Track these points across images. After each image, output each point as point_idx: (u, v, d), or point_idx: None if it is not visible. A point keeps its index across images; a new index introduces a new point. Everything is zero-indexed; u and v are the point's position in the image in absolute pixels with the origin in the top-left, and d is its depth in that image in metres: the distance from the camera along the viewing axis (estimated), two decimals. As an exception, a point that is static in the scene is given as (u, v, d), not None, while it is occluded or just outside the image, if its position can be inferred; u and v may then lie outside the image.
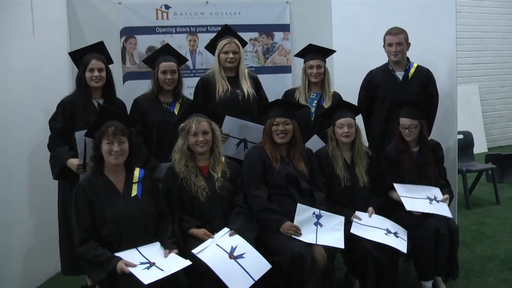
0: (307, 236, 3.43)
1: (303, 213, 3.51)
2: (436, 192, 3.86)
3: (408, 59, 4.40)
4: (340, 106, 3.95)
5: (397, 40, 4.27)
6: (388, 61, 4.42)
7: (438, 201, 3.77)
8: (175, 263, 2.96)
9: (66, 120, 3.71)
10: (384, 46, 4.38)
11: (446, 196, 3.85)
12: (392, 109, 4.26)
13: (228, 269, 3.01)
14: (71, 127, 3.70)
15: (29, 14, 4.10)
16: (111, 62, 3.98)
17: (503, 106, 10.87)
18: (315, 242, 3.40)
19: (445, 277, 3.78)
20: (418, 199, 3.76)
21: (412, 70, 4.36)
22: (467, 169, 6.28)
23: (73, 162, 3.62)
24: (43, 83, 4.25)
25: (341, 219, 3.60)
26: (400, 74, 4.36)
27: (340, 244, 3.44)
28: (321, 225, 3.51)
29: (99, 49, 3.89)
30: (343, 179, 3.81)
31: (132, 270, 2.84)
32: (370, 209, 3.79)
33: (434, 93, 4.41)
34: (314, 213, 3.54)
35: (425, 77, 4.37)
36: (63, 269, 3.87)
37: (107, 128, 3.11)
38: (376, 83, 4.42)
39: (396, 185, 3.84)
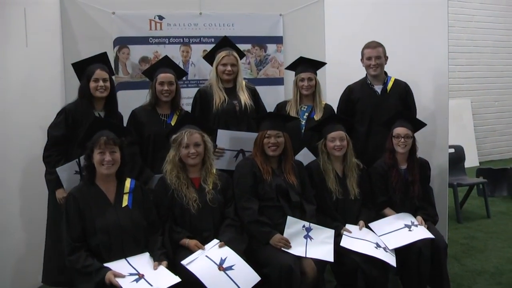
0: (297, 248, 3.42)
1: (293, 225, 3.51)
2: (411, 217, 3.87)
3: (385, 73, 4.41)
4: (330, 119, 3.97)
5: (375, 53, 4.28)
6: (366, 75, 4.42)
7: (416, 225, 3.77)
8: (164, 278, 2.94)
9: (68, 129, 3.69)
10: (362, 60, 4.39)
11: (419, 218, 3.85)
12: (373, 122, 4.29)
13: (217, 281, 2.99)
14: (71, 137, 3.69)
15: (23, 22, 4.10)
16: (113, 73, 3.98)
17: (495, 120, 10.94)
18: (304, 255, 3.40)
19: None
20: (397, 231, 3.73)
21: (390, 84, 4.36)
22: (458, 183, 6.30)
23: (61, 193, 3.64)
24: (35, 91, 4.24)
25: (331, 232, 3.60)
26: (378, 88, 4.36)
27: (330, 258, 3.44)
28: (311, 238, 3.51)
29: (102, 59, 3.90)
30: (335, 192, 3.82)
31: (120, 282, 2.83)
32: (361, 222, 3.80)
33: (413, 107, 4.41)
34: (304, 226, 3.55)
35: (403, 91, 4.38)
36: (44, 278, 3.85)
37: (99, 138, 3.11)
38: (355, 97, 4.42)
39: (371, 225, 3.83)
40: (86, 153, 3.15)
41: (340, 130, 3.85)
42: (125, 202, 3.18)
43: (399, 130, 3.92)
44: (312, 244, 3.48)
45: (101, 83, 3.72)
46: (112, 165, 3.12)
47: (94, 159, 3.11)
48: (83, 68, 3.83)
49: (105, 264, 2.95)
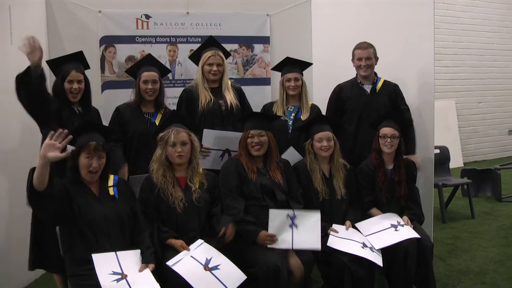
0: (283, 241, 3.43)
1: (277, 217, 3.51)
2: (397, 217, 3.88)
3: (375, 73, 4.44)
4: (318, 119, 3.97)
5: (366, 54, 4.32)
6: (356, 75, 4.45)
7: (402, 225, 3.78)
8: (145, 284, 2.88)
9: None
10: (352, 60, 4.42)
11: (406, 218, 3.86)
12: (361, 121, 4.32)
13: (204, 281, 2.98)
14: None
15: (7, 20, 4.05)
16: (88, 67, 3.92)
17: (479, 121, 11.03)
18: (291, 247, 3.41)
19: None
20: (383, 230, 3.74)
21: (379, 84, 4.41)
22: (443, 184, 6.34)
23: None
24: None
25: (317, 215, 3.61)
26: (368, 87, 4.40)
27: (317, 246, 3.45)
28: (296, 226, 3.51)
29: (78, 58, 3.84)
30: (321, 192, 3.82)
31: (100, 278, 2.79)
32: (348, 222, 3.80)
33: (404, 107, 4.45)
34: (288, 215, 3.55)
35: (392, 91, 4.42)
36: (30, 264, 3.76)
37: (88, 141, 3.06)
38: (344, 96, 4.44)
39: (358, 225, 3.83)
40: (72, 152, 3.07)
41: (327, 130, 3.84)
42: (111, 193, 3.18)
43: (385, 130, 3.94)
44: (298, 233, 3.49)
45: (75, 85, 3.67)
46: (96, 172, 3.09)
47: (80, 161, 3.06)
48: (58, 66, 3.77)
49: (93, 255, 2.90)
